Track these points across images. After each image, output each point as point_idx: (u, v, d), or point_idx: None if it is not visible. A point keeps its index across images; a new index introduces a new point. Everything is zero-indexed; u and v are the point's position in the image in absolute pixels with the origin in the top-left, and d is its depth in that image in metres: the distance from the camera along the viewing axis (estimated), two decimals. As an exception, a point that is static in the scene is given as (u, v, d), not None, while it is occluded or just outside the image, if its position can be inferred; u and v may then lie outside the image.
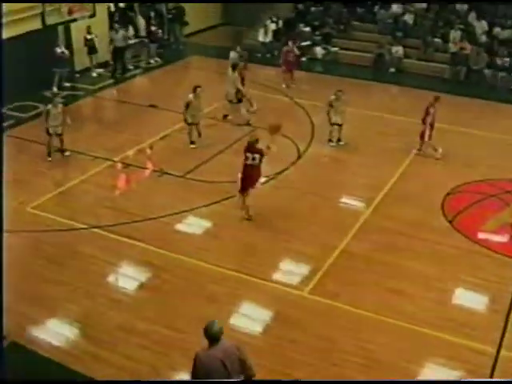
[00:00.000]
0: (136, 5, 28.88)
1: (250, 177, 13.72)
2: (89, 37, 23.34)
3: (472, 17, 26.36)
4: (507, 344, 10.58)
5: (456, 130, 19.17)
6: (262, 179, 15.52)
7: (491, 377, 9.87)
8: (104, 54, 24.22)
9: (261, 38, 27.38)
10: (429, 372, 10.03)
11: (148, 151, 17.12)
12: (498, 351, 10.41)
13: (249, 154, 13.60)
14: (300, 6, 28.69)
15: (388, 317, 11.09)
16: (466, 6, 26.90)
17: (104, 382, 9.75)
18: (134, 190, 15.52)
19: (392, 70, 25.39)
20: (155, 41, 26.35)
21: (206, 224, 14.06)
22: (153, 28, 26.45)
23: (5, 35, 20.08)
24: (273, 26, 27.54)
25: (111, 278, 12.14)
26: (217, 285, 11.87)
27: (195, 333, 10.48)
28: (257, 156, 13.59)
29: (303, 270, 12.43)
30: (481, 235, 13.90)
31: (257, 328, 10.92)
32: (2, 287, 7.08)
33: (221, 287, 11.80)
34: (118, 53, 24.02)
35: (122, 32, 24.36)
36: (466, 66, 24.58)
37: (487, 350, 10.43)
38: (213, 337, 7.48)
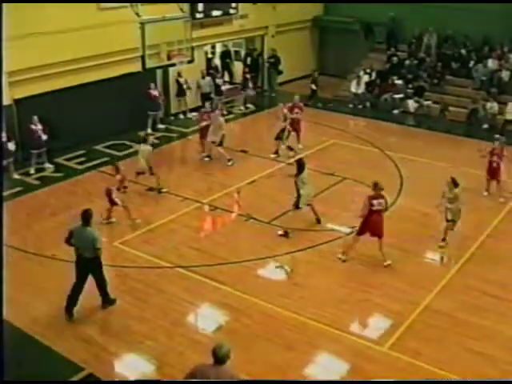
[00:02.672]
0: (232, 51, 29.70)
1: (374, 222, 13.86)
2: (180, 80, 24.18)
3: None
4: None
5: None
6: (348, 229, 15.54)
7: None
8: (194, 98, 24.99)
9: (353, 89, 27.49)
10: None
11: (235, 195, 17.40)
12: None
13: (375, 201, 13.72)
14: (394, 59, 28.71)
15: (468, 378, 10.75)
16: None
17: (105, 381, 9.84)
18: (220, 233, 15.77)
19: (485, 126, 24.96)
20: (249, 88, 26.91)
21: (288, 271, 14.08)
22: (248, 75, 27.05)
23: (107, 75, 21.29)
24: (366, 78, 27.63)
25: (192, 318, 12.30)
26: (295, 333, 11.82)
27: (265, 378, 10.55)
28: (382, 201, 13.83)
29: (384, 324, 12.24)
30: None
31: (332, 377, 10.80)
32: (1, 285, 7.19)
33: (298, 335, 11.75)
34: (204, 98, 24.63)
35: (208, 78, 25.14)
36: None
37: None
38: (215, 357, 7.83)
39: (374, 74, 27.94)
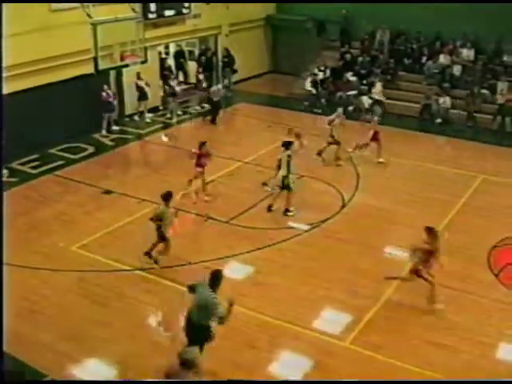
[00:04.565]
0: (186, 51, 29.60)
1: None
2: (139, 83, 23.90)
3: (520, 68, 26.24)
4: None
5: (502, 181, 18.95)
6: (306, 227, 15.60)
7: None
8: (153, 99, 24.78)
9: (308, 87, 27.61)
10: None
11: (193, 196, 17.33)
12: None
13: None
14: (347, 56, 28.93)
15: (429, 370, 10.89)
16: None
17: (102, 382, 9.78)
18: (179, 234, 15.67)
19: (438, 120, 25.32)
20: (203, 88, 26.91)
21: (249, 270, 14.08)
22: (201, 76, 27.02)
23: (58, 78, 20.92)
24: (320, 75, 27.77)
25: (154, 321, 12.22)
26: (257, 332, 11.83)
27: (231, 378, 10.53)
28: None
29: (345, 319, 12.32)
30: (528, 290, 13.64)
31: (295, 377, 10.84)
32: (1, 285, 7.13)
33: (261, 334, 11.76)
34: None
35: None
36: (512, 117, 24.43)
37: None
38: (181, 361, 8.19)
39: (327, 72, 28.10)
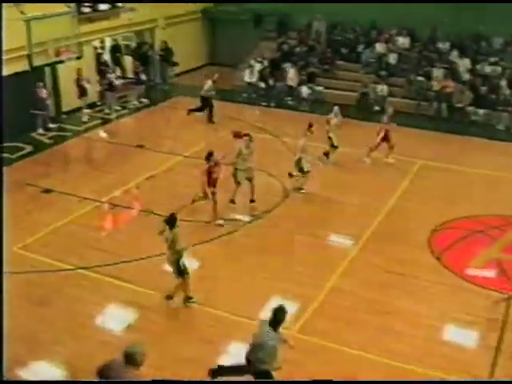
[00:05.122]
0: (122, 46, 29.22)
1: None
2: (80, 80, 23.39)
3: (454, 55, 26.72)
4: (499, 378, 10.57)
5: (440, 166, 19.31)
6: (250, 218, 15.61)
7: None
8: (91, 94, 24.38)
9: (247, 79, 27.59)
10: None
11: (135, 191, 17.16)
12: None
13: None
14: (285, 47, 29.02)
15: (377, 355, 11.03)
16: (448, 45, 27.30)
17: (103, 382, 9.64)
18: (121, 231, 15.53)
19: (377, 108, 25.62)
20: (142, 82, 26.64)
21: (194, 264, 14.01)
22: (139, 69, 26.71)
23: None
24: (258, 67, 27.79)
25: (99, 320, 12.06)
26: (205, 326, 11.80)
27: (181, 373, 10.48)
28: None
29: (292, 309, 12.32)
30: (469, 271, 13.93)
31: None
32: (1, 285, 7.00)
33: (210, 328, 11.73)
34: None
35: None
36: (449, 103, 24.89)
37: (478, 386, 10.42)
38: (125, 357, 7.70)
39: (265, 63, 28.13)
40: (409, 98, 25.95)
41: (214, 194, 15.62)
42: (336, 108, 20.29)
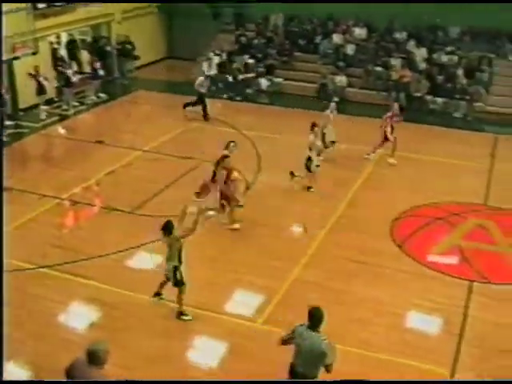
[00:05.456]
0: (79, 41, 28.84)
1: None
2: (38, 77, 22.94)
3: (411, 45, 26.96)
4: (461, 365, 10.70)
5: (400, 155, 19.45)
6: (212, 212, 15.54)
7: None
8: (49, 90, 24.02)
9: (205, 71, 27.45)
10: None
11: (95, 188, 16.98)
12: (453, 373, 10.52)
13: None
14: (243, 39, 28.97)
15: (341, 344, 11.04)
16: (405, 35, 27.53)
17: (102, 382, 9.53)
18: (83, 228, 15.35)
19: (336, 99, 25.72)
20: (99, 77, 26.35)
21: (157, 259, 13.90)
22: (96, 64, 26.40)
23: None
24: (216, 59, 27.69)
25: (62, 318, 11.92)
26: (169, 320, 11.72)
27: (147, 370, 10.41)
28: None
29: (256, 301, 12.38)
30: (430, 258, 14.09)
31: (212, 362, 10.80)
32: (1, 287, 6.90)
33: (173, 322, 11.66)
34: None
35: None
36: (407, 92, 25.11)
37: (442, 372, 10.52)
38: (88, 357, 7.58)
39: (224, 55, 28.05)
40: (367, 89, 26.13)
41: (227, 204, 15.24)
42: (333, 104, 20.16)
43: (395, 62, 26.24)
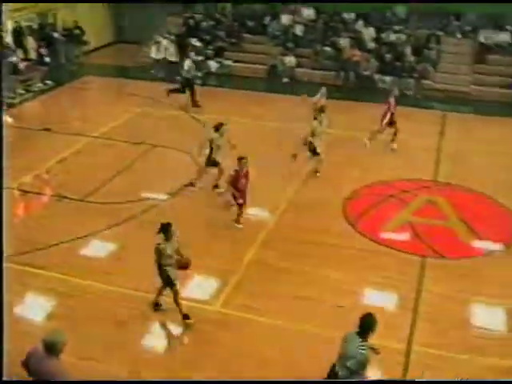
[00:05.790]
0: (25, 27, 28.22)
1: None
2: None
3: (359, 24, 27.09)
4: (418, 339, 10.88)
5: (351, 134, 19.58)
6: (164, 196, 15.44)
7: (404, 374, 10.10)
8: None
9: (153, 55, 27.19)
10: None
11: (45, 176, 16.70)
12: (410, 347, 10.68)
13: None
14: (191, 22, 28.73)
15: (300, 324, 11.16)
16: (353, 15, 27.64)
17: (103, 382, 9.43)
18: (34, 217, 15.09)
19: (285, 79, 25.75)
20: (45, 63, 25.86)
21: (110, 247, 13.78)
22: (42, 51, 25.90)
23: None
24: (165, 43, 27.41)
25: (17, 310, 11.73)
26: (125, 308, 11.62)
27: (104, 359, 10.32)
28: None
29: (213, 284, 12.38)
30: (383, 235, 14.25)
31: (171, 347, 10.81)
32: (1, 287, 6.74)
33: (129, 310, 11.56)
34: None
35: None
36: (356, 72, 25.26)
37: (398, 347, 10.68)
38: (45, 346, 7.50)
39: (172, 38, 27.77)
40: (316, 69, 26.20)
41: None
42: (323, 89, 19.83)
43: (344, 41, 26.35)
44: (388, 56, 25.48)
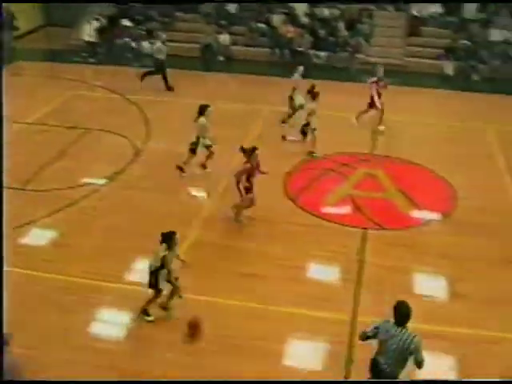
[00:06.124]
0: None
1: None
2: None
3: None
4: (362, 310, 11.06)
5: (285, 110, 19.60)
6: (103, 181, 15.24)
7: (350, 343, 10.26)
8: None
9: (85, 37, 26.60)
10: (292, 348, 10.30)
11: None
12: (354, 318, 10.85)
13: None
14: (122, 2, 28.22)
15: (244, 301, 11.20)
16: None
17: (102, 382, 9.26)
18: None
19: (221, 58, 25.61)
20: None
21: (51, 234, 13.54)
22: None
23: None
24: (96, 24, 26.85)
25: None
26: (69, 295, 11.44)
27: (50, 349, 10.16)
28: None
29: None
30: (324, 210, 14.38)
31: (119, 333, 10.69)
32: (2, 286, 6.76)
33: (74, 297, 11.39)
34: None
35: None
36: (290, 48, 25.28)
37: (343, 318, 10.83)
38: None
39: (103, 20, 27.23)
40: (251, 46, 26.13)
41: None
42: (301, 68, 19.58)
43: (277, 18, 26.31)
44: (322, 31, 25.57)
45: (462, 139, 18.54)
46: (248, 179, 13.36)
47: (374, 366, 8.35)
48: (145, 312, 10.88)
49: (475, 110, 20.81)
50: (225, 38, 25.85)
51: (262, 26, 26.43)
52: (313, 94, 17.02)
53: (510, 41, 24.83)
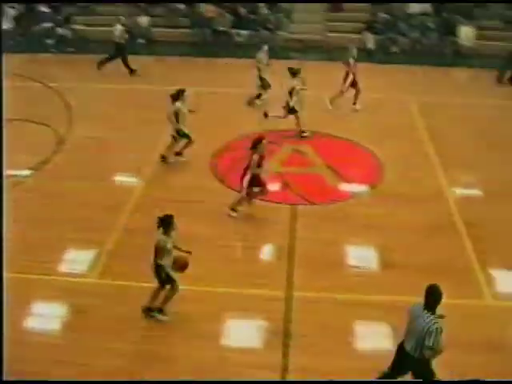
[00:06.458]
0: None
1: None
2: None
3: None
4: (296, 285, 11.21)
5: (210, 90, 19.45)
6: (27, 172, 14.89)
7: (286, 319, 10.36)
8: None
9: (4, 26, 25.75)
10: (228, 328, 10.35)
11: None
12: (290, 294, 10.97)
13: None
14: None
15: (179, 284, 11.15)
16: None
17: (102, 382, 9.00)
18: None
19: (141, 40, 25.23)
20: None
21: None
22: None
23: None
24: (12, 12, 26.04)
25: None
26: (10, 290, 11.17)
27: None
28: None
29: (88, 256, 12.09)
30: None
31: (53, 326, 10.49)
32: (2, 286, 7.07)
33: (16, 292, 11.10)
34: None
35: None
36: (211, 27, 25.12)
37: (278, 294, 10.94)
38: None
39: (19, 7, 26.41)
40: (172, 27, 25.82)
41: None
42: (266, 46, 19.34)
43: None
44: (242, 10, 25.49)
45: (385, 111, 18.84)
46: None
47: (399, 348, 8.40)
48: (160, 311, 10.47)
49: (397, 82, 21.18)
50: (142, 20, 25.45)
51: (182, 6, 26.13)
52: (292, 72, 17.01)
53: (428, 12, 25.31)
